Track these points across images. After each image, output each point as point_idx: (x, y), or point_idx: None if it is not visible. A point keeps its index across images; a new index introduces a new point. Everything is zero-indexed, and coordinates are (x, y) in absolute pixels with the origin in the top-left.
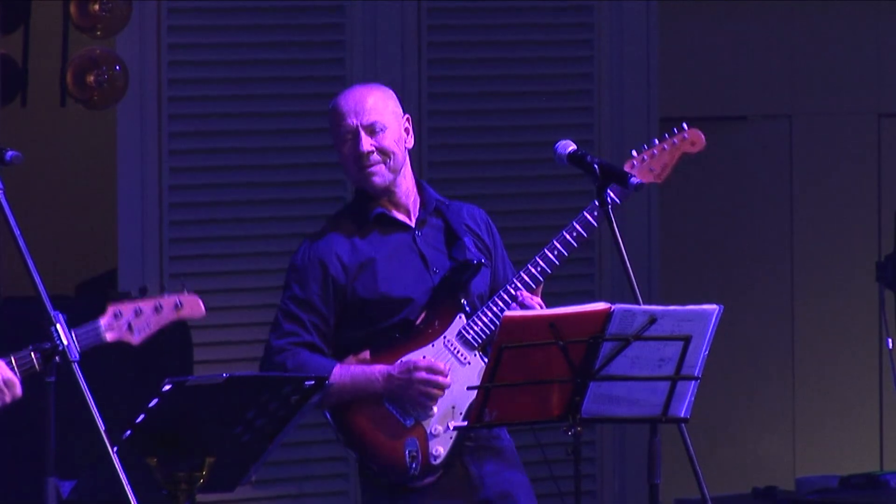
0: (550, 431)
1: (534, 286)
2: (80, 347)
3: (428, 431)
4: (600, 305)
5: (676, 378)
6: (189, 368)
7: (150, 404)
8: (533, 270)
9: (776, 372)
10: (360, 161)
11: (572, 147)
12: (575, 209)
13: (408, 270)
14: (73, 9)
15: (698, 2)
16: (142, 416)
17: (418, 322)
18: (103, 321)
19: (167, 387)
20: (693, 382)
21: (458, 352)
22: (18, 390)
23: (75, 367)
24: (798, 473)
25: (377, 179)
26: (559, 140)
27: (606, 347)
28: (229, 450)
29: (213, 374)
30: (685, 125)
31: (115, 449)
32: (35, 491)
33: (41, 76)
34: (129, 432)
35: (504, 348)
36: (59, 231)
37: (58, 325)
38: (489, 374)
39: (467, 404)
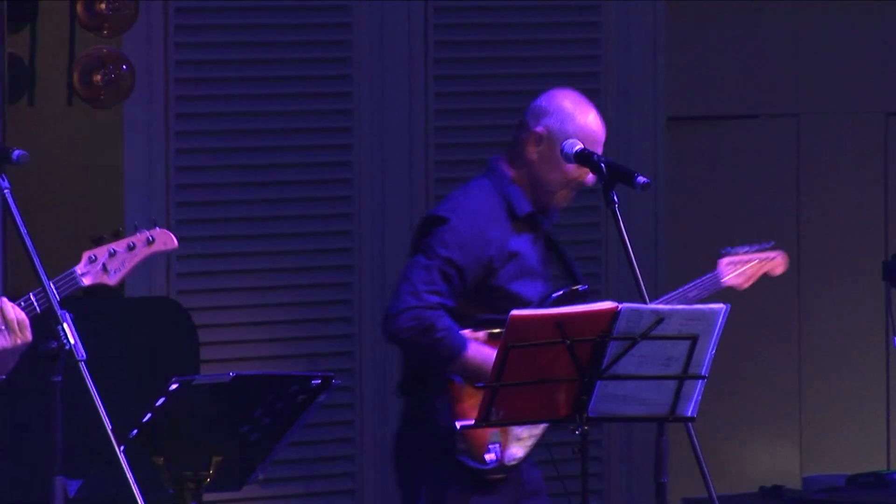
0: (557, 431)
1: None
2: (59, 296)
3: (513, 432)
4: (607, 305)
5: (683, 377)
6: (196, 367)
7: (157, 403)
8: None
9: (783, 371)
10: (577, 185)
11: (579, 146)
12: (581, 207)
13: (536, 272)
14: (79, 8)
15: (705, 1)
16: (149, 415)
17: None
18: (79, 267)
19: (174, 385)
20: (700, 382)
21: None
22: (29, 334)
23: (82, 366)
24: (805, 472)
25: (564, 205)
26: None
27: (613, 346)
28: (236, 449)
29: (219, 373)
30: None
31: (122, 448)
32: (42, 490)
33: (48, 75)
34: (135, 431)
35: (511, 347)
36: (65, 230)
37: (64, 325)
38: (496, 373)
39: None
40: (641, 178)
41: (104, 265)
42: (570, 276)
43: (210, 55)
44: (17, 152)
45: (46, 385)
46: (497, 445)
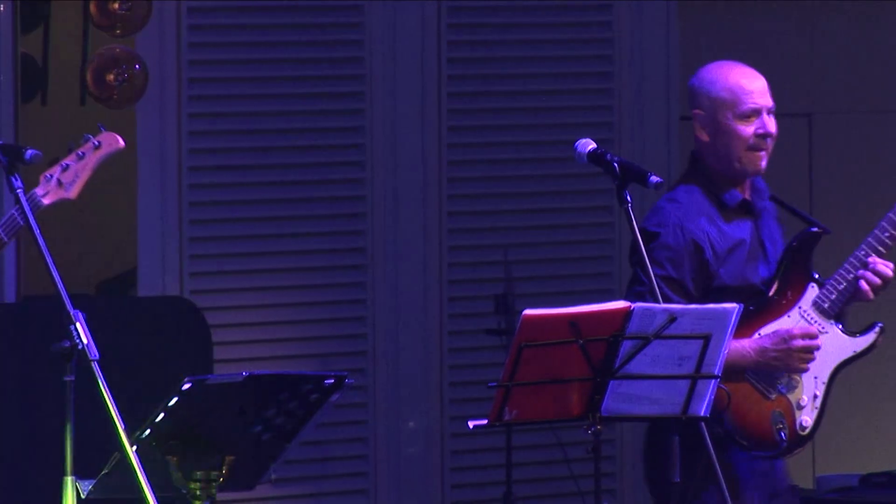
0: (570, 430)
1: (883, 251)
2: (23, 219)
3: (794, 403)
4: (620, 304)
5: (696, 377)
6: (209, 367)
7: (170, 403)
8: (881, 235)
9: None
10: (757, 143)
11: (592, 145)
12: (595, 207)
13: (761, 254)
14: (92, 7)
15: (718, 0)
16: (161, 415)
17: (771, 293)
18: (37, 189)
19: (187, 385)
20: (713, 381)
21: (814, 321)
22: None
23: (95, 365)
24: (818, 472)
25: (763, 164)
26: (579, 138)
27: (626, 346)
28: (249, 448)
29: (232, 372)
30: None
31: (135, 448)
32: (54, 490)
33: (61, 75)
34: (148, 431)
35: (524, 346)
36: (79, 230)
37: (77, 324)
38: (508, 373)
39: (828, 373)
40: (654, 178)
41: (59, 181)
42: (806, 223)
43: (223, 55)
44: (30, 152)
45: (59, 385)
46: (781, 422)
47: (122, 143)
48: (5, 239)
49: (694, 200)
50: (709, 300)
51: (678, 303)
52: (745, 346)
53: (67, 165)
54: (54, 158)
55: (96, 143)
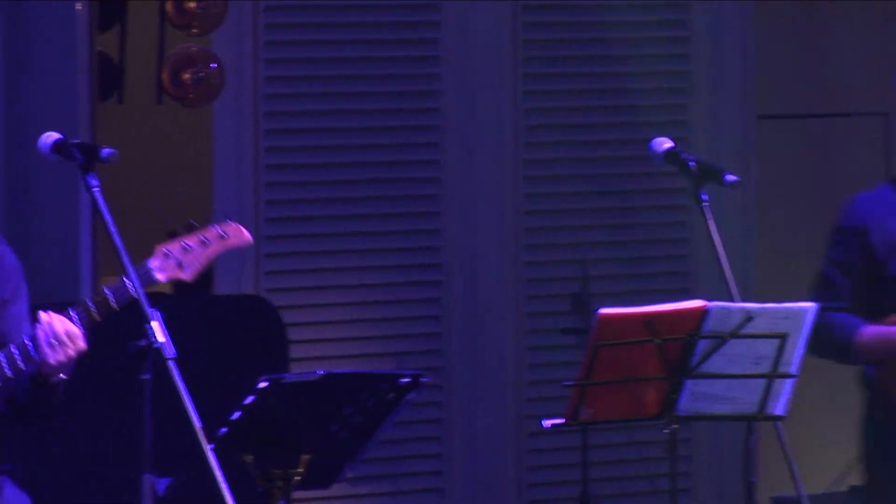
0: (646, 429)
1: None
2: (135, 291)
3: None
4: (696, 303)
5: (773, 376)
6: (285, 366)
7: (247, 401)
8: None
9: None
10: None
11: (668, 144)
12: (670, 206)
13: None
14: (169, 6)
15: (794, 0)
16: (238, 414)
17: None
18: (153, 263)
19: (263, 384)
20: (789, 380)
21: None
22: (81, 343)
23: (171, 364)
24: None
25: None
26: (655, 137)
27: (702, 345)
28: (325, 447)
29: (308, 371)
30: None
31: (211, 446)
32: (131, 488)
33: (137, 74)
34: (225, 429)
35: (600, 346)
36: (154, 229)
37: (154, 323)
38: (585, 372)
39: None
40: (730, 177)
41: (179, 261)
42: None
43: (299, 53)
44: (106, 151)
45: (135, 383)
46: None
47: (248, 237)
48: (116, 307)
49: (880, 191)
50: (879, 282)
51: (841, 283)
52: None
53: (189, 247)
54: (173, 232)
55: (222, 233)
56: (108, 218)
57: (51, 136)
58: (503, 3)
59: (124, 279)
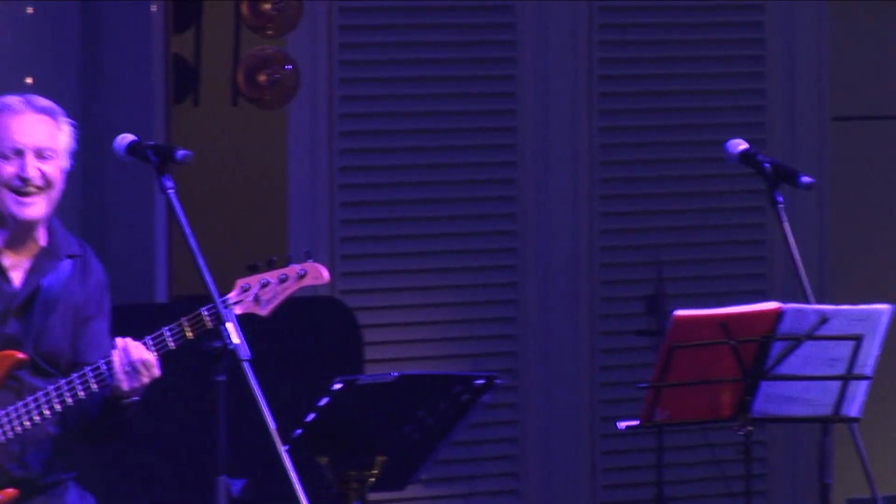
0: (720, 431)
1: None
2: (210, 325)
3: None
4: (771, 305)
5: (848, 377)
6: (359, 367)
7: (321, 403)
8: None
9: None
10: None
11: (743, 146)
12: (746, 208)
13: None
14: (244, 8)
15: (870, 0)
16: (312, 415)
17: None
18: (231, 295)
19: (338, 385)
20: (864, 382)
21: None
22: (156, 370)
23: (246, 366)
24: None
25: None
26: (730, 139)
27: (777, 347)
28: (399, 448)
29: (383, 373)
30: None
31: (286, 448)
32: (206, 490)
33: (213, 76)
34: (299, 431)
35: (675, 347)
36: (229, 230)
37: (229, 324)
38: (659, 373)
39: None
40: (806, 178)
41: (256, 296)
42: None
43: (374, 55)
44: (181, 152)
45: (210, 385)
46: None
47: (326, 277)
48: (192, 337)
49: None
50: None
51: None
52: None
53: (267, 283)
54: (252, 266)
55: (301, 271)
56: (182, 220)
57: (126, 138)
58: (578, 5)
59: (202, 310)
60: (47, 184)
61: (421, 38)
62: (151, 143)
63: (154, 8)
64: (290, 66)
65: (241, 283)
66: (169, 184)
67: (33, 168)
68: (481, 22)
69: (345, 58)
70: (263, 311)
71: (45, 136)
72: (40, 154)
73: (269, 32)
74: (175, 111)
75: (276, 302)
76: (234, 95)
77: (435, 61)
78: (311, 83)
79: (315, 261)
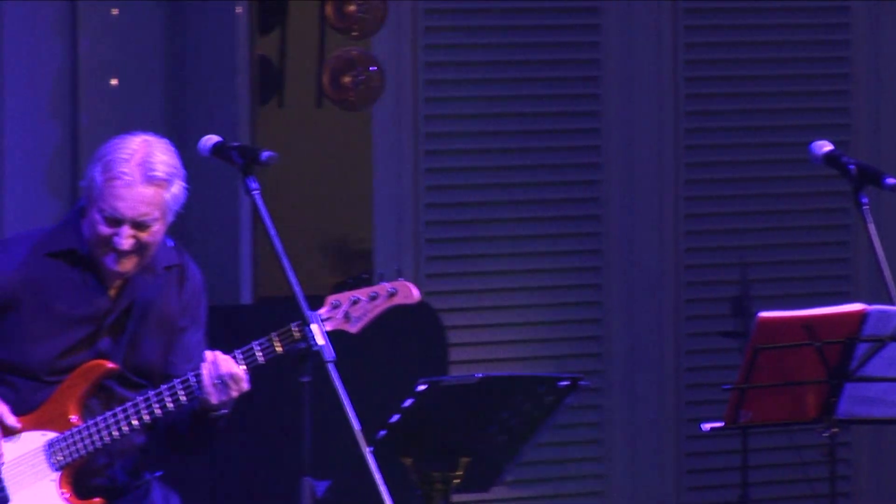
0: (805, 433)
1: None
2: (294, 344)
3: None
4: (855, 307)
5: None
6: (444, 368)
7: (405, 404)
8: None
9: None
10: None
11: (828, 147)
12: (830, 210)
13: None
14: (329, 10)
15: None
16: (397, 417)
17: None
18: (321, 312)
19: (422, 387)
20: None
21: None
22: (245, 384)
23: (331, 367)
24: None
25: None
26: (815, 140)
27: (862, 348)
28: (484, 450)
29: (467, 374)
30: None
31: (371, 449)
32: (290, 490)
33: (297, 77)
34: (384, 432)
35: (759, 349)
36: (314, 231)
37: (313, 326)
38: (744, 375)
39: None
40: (890, 180)
41: (346, 313)
42: None
43: (459, 56)
44: (265, 153)
45: (295, 386)
46: None
47: (417, 296)
48: (282, 352)
49: None
50: None
51: None
52: None
53: (357, 300)
54: (342, 282)
55: (391, 289)
56: (267, 221)
57: (211, 139)
58: (663, 6)
59: (292, 325)
60: (140, 248)
61: (505, 40)
62: (236, 144)
63: (239, 9)
64: (375, 68)
65: (331, 299)
66: (254, 185)
67: (127, 240)
68: (566, 23)
69: (429, 59)
70: (353, 329)
71: (149, 208)
72: (139, 225)
73: (354, 34)
74: (260, 112)
75: (366, 320)
76: (318, 97)
77: (519, 62)
78: (395, 84)
79: (405, 278)
